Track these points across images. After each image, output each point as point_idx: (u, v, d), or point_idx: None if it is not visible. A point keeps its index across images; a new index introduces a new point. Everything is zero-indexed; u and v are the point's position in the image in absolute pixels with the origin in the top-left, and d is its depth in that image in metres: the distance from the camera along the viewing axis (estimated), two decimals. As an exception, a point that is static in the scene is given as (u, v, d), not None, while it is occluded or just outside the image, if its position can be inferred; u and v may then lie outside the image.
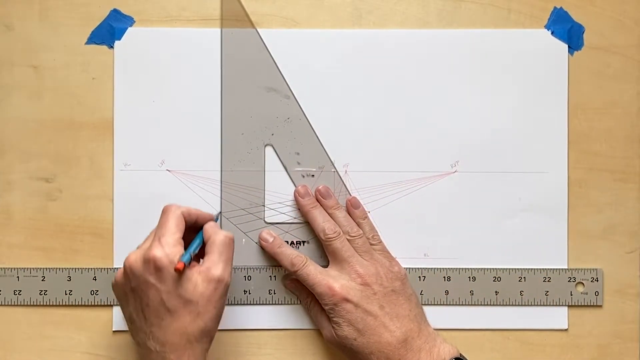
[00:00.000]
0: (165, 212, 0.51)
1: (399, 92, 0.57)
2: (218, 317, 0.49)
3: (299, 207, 0.56)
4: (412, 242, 0.57)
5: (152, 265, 0.48)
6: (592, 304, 0.57)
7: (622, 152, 0.57)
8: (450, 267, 0.57)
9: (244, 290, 0.57)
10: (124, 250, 0.56)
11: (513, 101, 0.57)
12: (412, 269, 0.57)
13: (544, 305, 0.57)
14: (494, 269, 0.57)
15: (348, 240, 0.54)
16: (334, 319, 0.52)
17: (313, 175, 0.57)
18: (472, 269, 0.57)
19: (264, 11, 0.57)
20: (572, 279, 0.57)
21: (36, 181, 0.57)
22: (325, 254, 0.55)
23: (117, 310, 0.56)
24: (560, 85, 0.57)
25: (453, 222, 0.57)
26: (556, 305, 0.57)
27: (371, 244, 0.55)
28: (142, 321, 0.48)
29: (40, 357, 0.57)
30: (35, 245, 0.57)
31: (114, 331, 0.57)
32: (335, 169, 0.57)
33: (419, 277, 0.57)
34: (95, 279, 0.56)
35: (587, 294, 0.57)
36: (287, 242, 0.56)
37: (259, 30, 0.57)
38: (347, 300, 0.52)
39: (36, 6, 0.57)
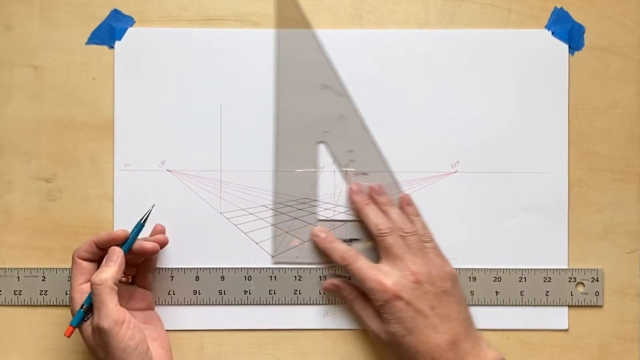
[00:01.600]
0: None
1: (399, 92, 0.57)
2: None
3: (353, 204, 0.56)
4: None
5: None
6: (592, 304, 0.57)
7: (622, 152, 0.57)
8: (451, 267, 0.57)
9: (244, 291, 0.57)
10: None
11: (513, 101, 0.57)
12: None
13: (544, 305, 0.57)
14: (494, 269, 0.57)
15: (401, 237, 0.54)
16: (384, 315, 0.52)
17: (366, 174, 0.57)
18: (472, 269, 0.57)
19: (264, 11, 0.57)
20: (573, 279, 0.57)
21: (36, 181, 0.57)
22: (377, 253, 0.55)
23: (117, 310, 0.57)
24: (561, 85, 0.57)
25: (453, 222, 0.57)
26: (556, 305, 0.57)
27: (424, 242, 0.54)
28: None
29: (40, 357, 0.57)
30: (35, 245, 0.57)
31: (114, 331, 0.57)
32: (389, 168, 0.57)
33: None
34: (95, 279, 0.56)
35: (587, 294, 0.57)
36: (340, 239, 0.56)
37: (314, 30, 0.57)
38: (398, 297, 0.51)
39: (36, 6, 0.57)
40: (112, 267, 0.51)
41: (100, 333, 0.49)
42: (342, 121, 0.57)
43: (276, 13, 0.57)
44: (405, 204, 0.56)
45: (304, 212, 0.57)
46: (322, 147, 0.57)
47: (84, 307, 0.50)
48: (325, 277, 0.57)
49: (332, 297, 0.57)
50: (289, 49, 0.57)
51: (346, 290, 0.55)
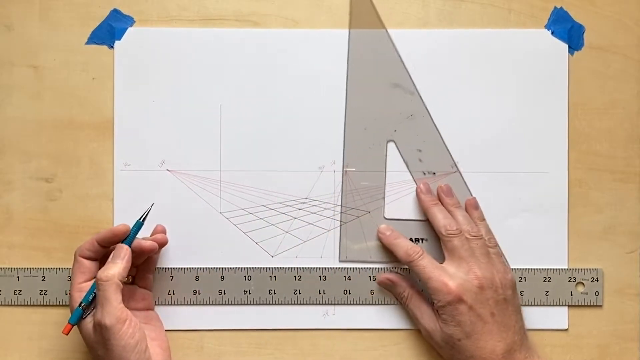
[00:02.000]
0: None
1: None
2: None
3: (420, 203, 0.56)
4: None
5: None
6: (592, 304, 0.57)
7: (622, 152, 0.57)
8: (451, 267, 0.57)
9: (244, 291, 0.57)
10: (124, 250, 0.56)
11: (513, 101, 0.57)
12: (412, 269, 0.57)
13: (544, 305, 0.57)
14: (494, 269, 0.57)
15: (467, 239, 0.53)
16: (443, 316, 0.52)
17: (434, 173, 0.57)
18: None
19: (264, 11, 0.57)
20: (572, 279, 0.57)
21: (36, 181, 0.57)
22: (442, 254, 0.55)
23: (117, 310, 0.57)
24: (561, 85, 0.57)
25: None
26: (556, 305, 0.57)
27: (488, 247, 0.54)
28: None
29: (40, 357, 0.57)
30: (35, 245, 0.57)
31: (114, 331, 0.57)
32: (457, 168, 0.57)
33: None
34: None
35: (587, 294, 0.57)
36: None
37: (388, 30, 0.57)
38: (461, 300, 0.51)
39: (36, 6, 0.57)
40: (120, 264, 0.51)
41: (101, 330, 0.49)
42: (411, 120, 0.57)
43: (276, 13, 0.57)
44: (472, 208, 0.56)
45: (303, 212, 0.57)
46: (390, 145, 0.57)
47: (82, 304, 0.50)
48: (325, 277, 0.57)
49: (333, 297, 0.57)
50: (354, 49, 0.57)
51: (401, 287, 0.55)
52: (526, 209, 0.57)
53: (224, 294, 0.57)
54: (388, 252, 0.56)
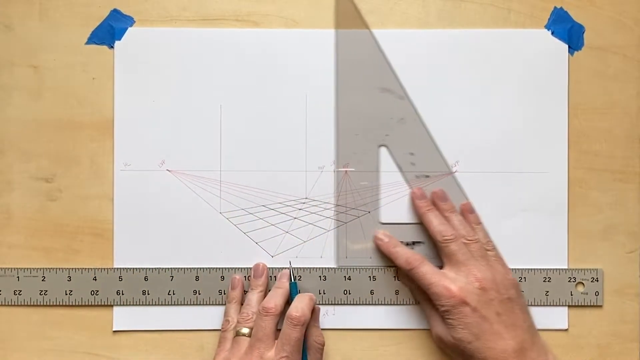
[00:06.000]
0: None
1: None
2: None
3: (415, 209, 0.56)
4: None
5: None
6: (592, 304, 0.57)
7: (622, 152, 0.57)
8: (451, 267, 0.57)
9: (245, 291, 0.57)
10: (124, 250, 0.56)
11: (513, 101, 0.57)
12: (412, 269, 0.57)
13: (544, 305, 0.57)
14: (494, 269, 0.57)
15: (464, 244, 0.54)
16: (449, 320, 0.52)
17: (427, 176, 0.57)
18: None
19: (264, 11, 0.57)
20: (572, 279, 0.57)
21: (36, 181, 0.57)
22: (439, 257, 0.55)
23: (117, 310, 0.56)
24: (560, 85, 0.57)
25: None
26: (556, 305, 0.57)
27: (486, 250, 0.54)
28: None
29: (40, 357, 0.57)
30: (35, 245, 0.57)
31: (114, 331, 0.57)
32: (450, 170, 0.57)
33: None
34: (96, 279, 0.56)
35: (587, 294, 0.57)
36: (402, 242, 0.56)
37: (373, 31, 0.57)
38: (465, 303, 0.51)
39: (36, 6, 0.57)
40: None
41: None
42: (402, 124, 0.57)
43: (276, 13, 0.57)
44: (467, 212, 0.56)
45: (303, 212, 0.57)
46: (382, 149, 0.57)
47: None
48: (325, 277, 0.57)
49: (333, 297, 0.57)
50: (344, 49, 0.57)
51: (419, 288, 0.55)
52: (526, 209, 0.57)
53: (224, 294, 0.57)
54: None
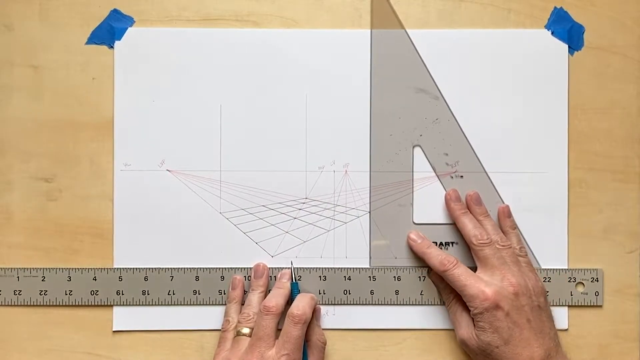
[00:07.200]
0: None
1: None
2: None
3: (449, 211, 0.56)
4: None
5: None
6: (592, 304, 0.57)
7: (622, 152, 0.57)
8: (451, 267, 0.57)
9: (245, 291, 0.57)
10: (124, 250, 0.56)
11: (513, 101, 0.57)
12: (414, 268, 0.57)
13: (544, 305, 0.57)
14: (494, 269, 0.57)
15: (497, 249, 0.54)
16: (480, 323, 0.52)
17: (462, 177, 0.57)
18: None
19: (264, 11, 0.57)
20: (572, 279, 0.57)
21: (36, 181, 0.57)
22: (472, 258, 0.55)
23: (117, 310, 0.56)
24: (560, 86, 0.57)
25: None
26: (556, 305, 0.57)
27: (518, 256, 0.54)
28: None
29: (40, 357, 0.57)
30: (35, 245, 0.57)
31: (114, 331, 0.57)
32: (485, 171, 0.57)
33: (419, 277, 0.57)
34: (95, 279, 0.56)
35: (587, 294, 0.57)
36: (435, 242, 0.56)
37: (408, 31, 0.57)
38: (498, 307, 0.51)
39: (36, 6, 0.57)
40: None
41: None
42: (437, 124, 0.57)
43: (276, 13, 0.57)
44: (505, 216, 0.56)
45: (303, 212, 0.57)
46: (417, 150, 0.57)
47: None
48: (325, 277, 0.57)
49: (333, 297, 0.57)
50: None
51: (448, 288, 0.55)
52: (526, 209, 0.57)
53: (224, 294, 0.57)
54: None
